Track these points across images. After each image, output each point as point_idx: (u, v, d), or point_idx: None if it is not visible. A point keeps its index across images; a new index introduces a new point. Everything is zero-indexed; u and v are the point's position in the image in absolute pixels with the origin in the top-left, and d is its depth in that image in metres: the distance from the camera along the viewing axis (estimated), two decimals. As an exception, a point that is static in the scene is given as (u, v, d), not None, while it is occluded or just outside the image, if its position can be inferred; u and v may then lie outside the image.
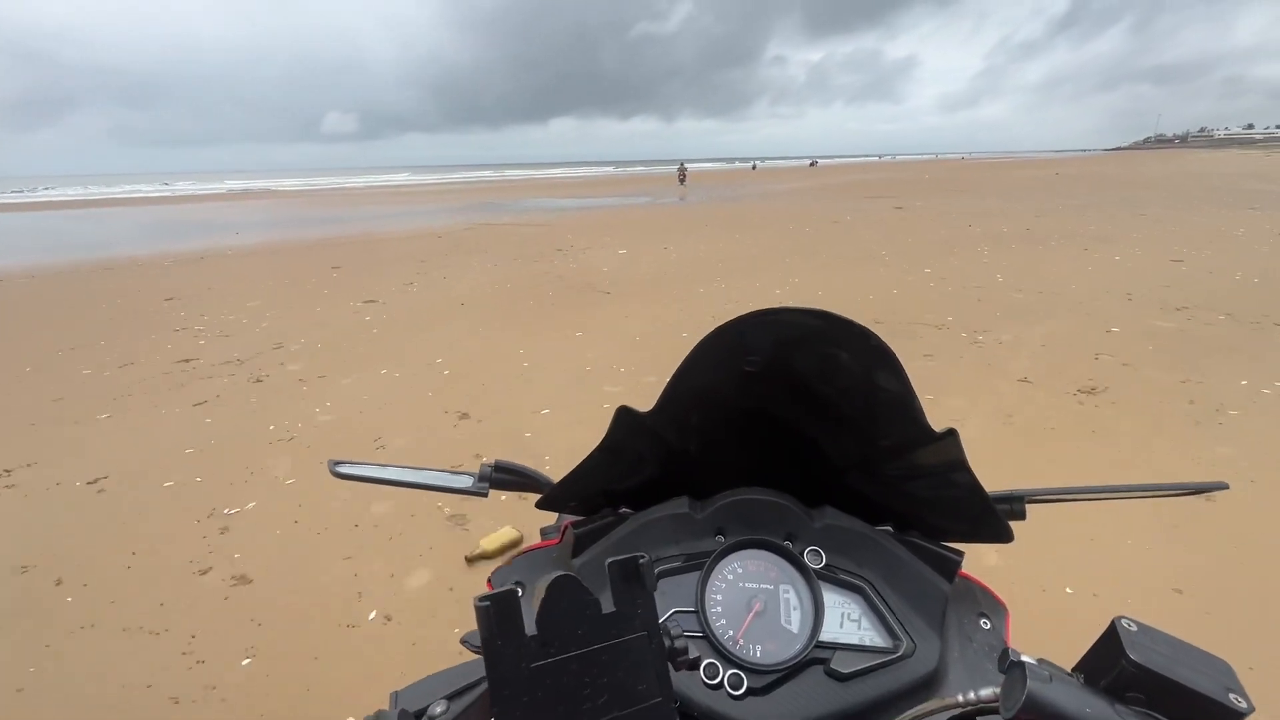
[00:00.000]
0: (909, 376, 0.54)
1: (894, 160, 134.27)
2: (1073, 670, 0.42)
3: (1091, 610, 2.15)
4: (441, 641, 2.15)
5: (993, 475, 0.65)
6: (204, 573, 2.56)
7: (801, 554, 0.60)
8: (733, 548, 0.61)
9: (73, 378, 5.05)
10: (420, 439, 3.75)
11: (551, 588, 0.39)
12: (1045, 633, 1.89)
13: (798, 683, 0.54)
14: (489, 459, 0.72)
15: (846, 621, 0.58)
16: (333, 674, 2.04)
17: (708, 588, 0.58)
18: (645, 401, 0.58)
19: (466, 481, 0.71)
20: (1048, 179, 29.70)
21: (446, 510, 2.90)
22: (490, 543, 2.59)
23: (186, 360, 5.36)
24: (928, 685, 0.55)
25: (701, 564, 0.60)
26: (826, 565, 0.60)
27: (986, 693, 0.43)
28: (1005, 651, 0.43)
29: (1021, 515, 0.65)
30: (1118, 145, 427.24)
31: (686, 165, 37.55)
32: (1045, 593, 2.25)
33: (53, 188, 64.16)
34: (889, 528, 0.66)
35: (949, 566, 0.61)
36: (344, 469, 0.73)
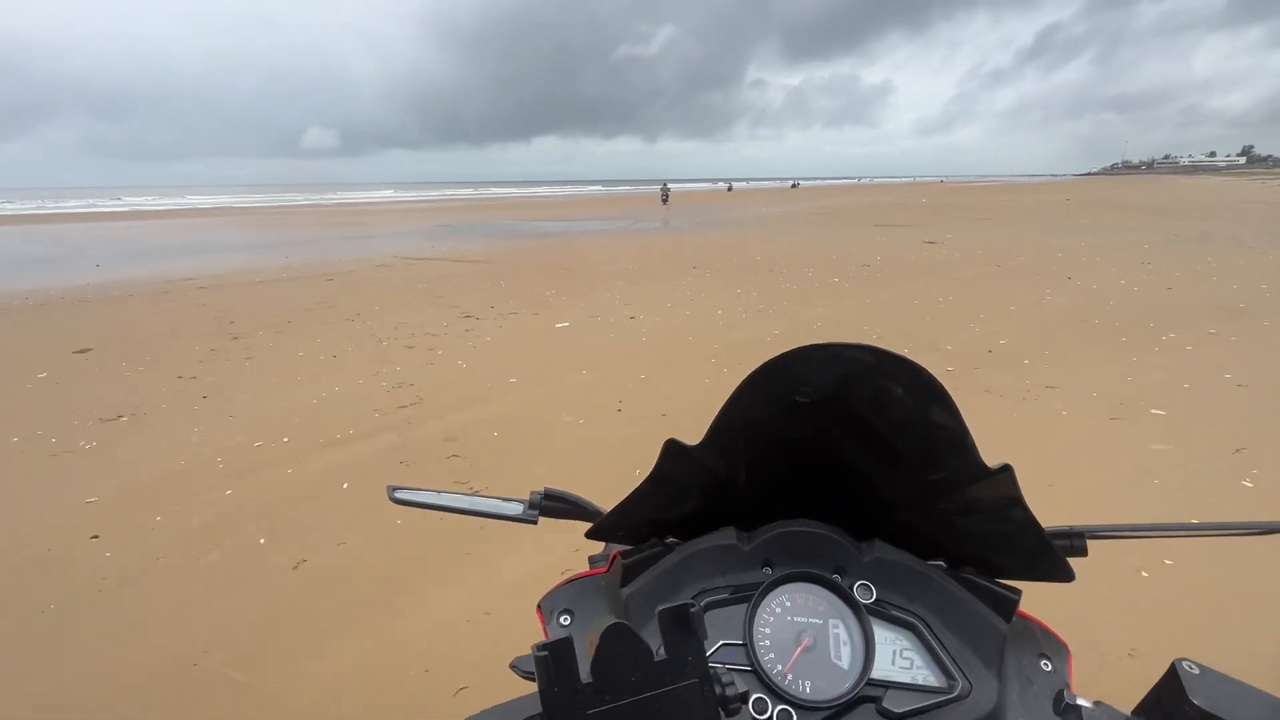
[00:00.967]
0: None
1: (873, 183, 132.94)
2: (1132, 714, 0.43)
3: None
4: None
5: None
6: None
7: (851, 588, 0.57)
8: (781, 580, 0.58)
9: None
10: None
11: (606, 635, 0.38)
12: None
13: None
14: (539, 487, 0.71)
15: (898, 659, 0.55)
16: None
17: (755, 621, 0.56)
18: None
19: (517, 509, 0.70)
20: (1059, 204, 26.54)
21: None
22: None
23: None
24: None
25: (749, 596, 0.57)
26: (877, 600, 0.57)
27: None
28: (1061, 693, 0.47)
29: (1082, 552, 0.62)
30: (1088, 170, 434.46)
31: (670, 185, 35.18)
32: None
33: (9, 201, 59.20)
34: (941, 563, 0.62)
35: (1006, 605, 0.57)
36: (401, 494, 0.72)
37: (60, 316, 7.42)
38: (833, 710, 0.51)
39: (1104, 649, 1.95)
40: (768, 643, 0.55)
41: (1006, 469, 0.50)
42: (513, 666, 0.58)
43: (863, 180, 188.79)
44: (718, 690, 0.40)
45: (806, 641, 0.54)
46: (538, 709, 0.39)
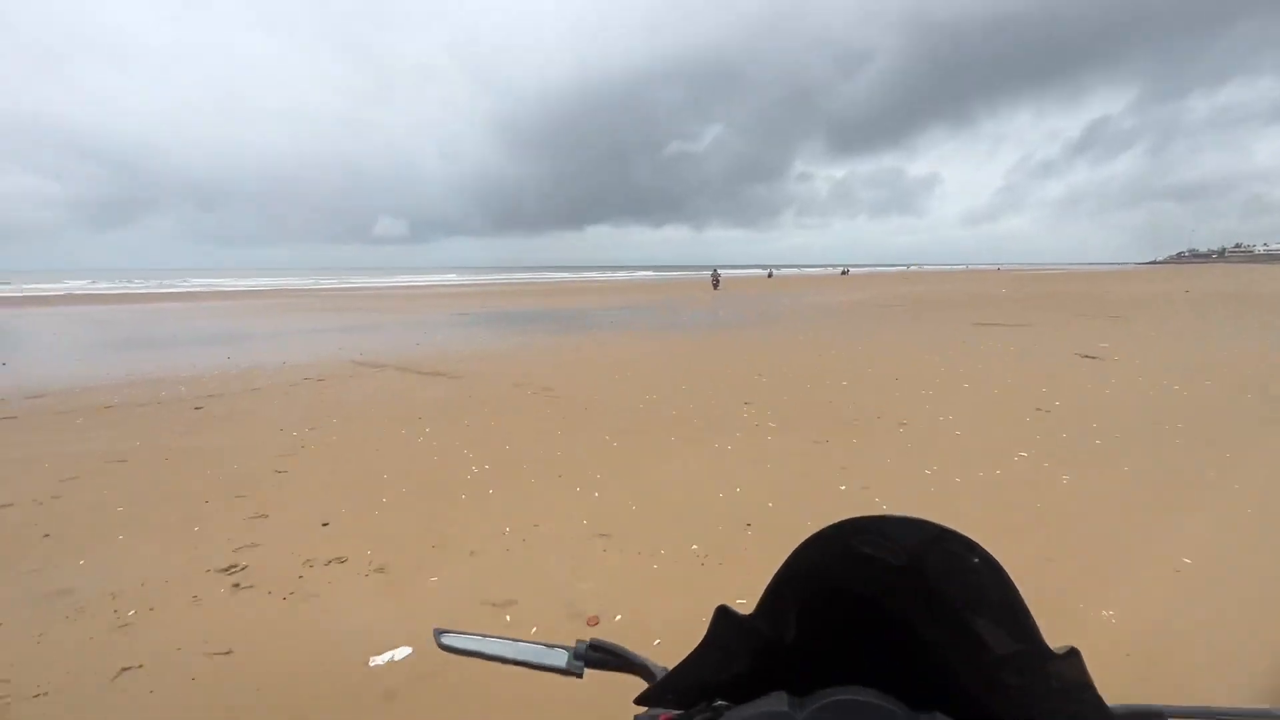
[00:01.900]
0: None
1: (923, 269, 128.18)
2: None
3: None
4: None
5: None
6: None
7: None
8: None
9: None
10: None
11: None
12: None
13: None
14: (584, 637, 0.69)
15: None
16: None
17: None
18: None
19: (561, 659, 0.68)
20: (1177, 296, 21.67)
21: None
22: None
23: None
24: None
25: None
26: None
27: None
28: None
29: None
30: (1152, 259, 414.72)
31: (720, 271, 32.88)
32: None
33: (96, 281, 62.14)
34: None
35: None
36: (448, 640, 0.71)
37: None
38: None
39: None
40: None
41: (1074, 653, 0.48)
42: None
43: (911, 267, 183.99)
44: None
45: None
46: None
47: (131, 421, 5.88)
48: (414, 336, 12.90)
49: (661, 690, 0.60)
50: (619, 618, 2.53)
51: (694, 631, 0.56)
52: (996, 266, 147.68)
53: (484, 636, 0.70)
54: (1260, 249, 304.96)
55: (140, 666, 2.27)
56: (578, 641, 0.68)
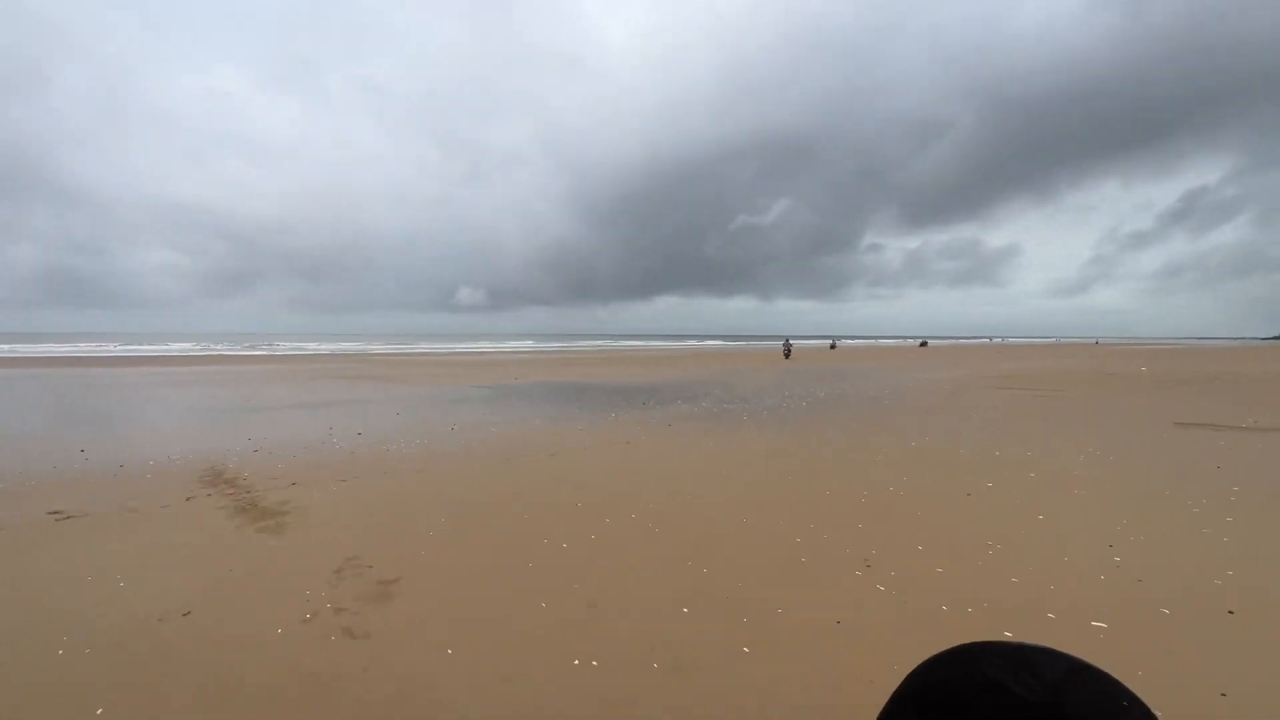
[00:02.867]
0: None
1: (1011, 343, 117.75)
2: None
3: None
4: None
5: None
6: None
7: None
8: None
9: None
10: None
11: None
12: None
13: None
14: None
15: None
16: None
17: None
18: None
19: None
20: None
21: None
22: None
23: None
24: None
25: None
26: None
27: None
28: None
29: None
30: (1276, 334, 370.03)
31: (792, 341, 29.28)
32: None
33: (169, 344, 66.04)
34: None
35: None
36: None
37: None
38: None
39: None
40: None
41: None
42: None
43: (995, 340, 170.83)
44: None
45: None
46: None
47: None
48: (411, 420, 10.15)
49: None
50: None
51: None
52: (1095, 340, 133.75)
53: None
54: None
55: None
56: None
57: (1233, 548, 3.95)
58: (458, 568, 3.66)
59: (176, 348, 52.99)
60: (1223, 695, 2.34)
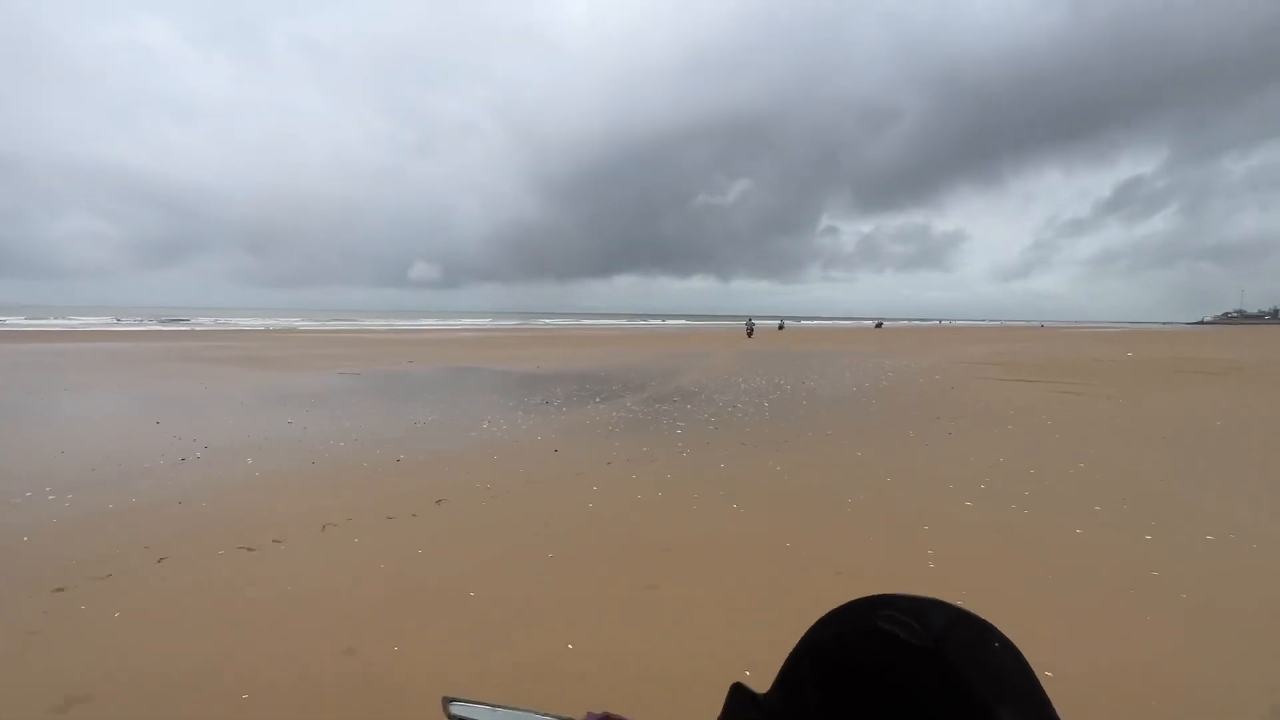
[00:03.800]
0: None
1: (959, 325, 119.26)
2: None
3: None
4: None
5: None
6: None
7: None
8: None
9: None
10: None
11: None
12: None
13: None
14: (597, 709, 0.62)
15: None
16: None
17: None
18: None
19: None
20: None
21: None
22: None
23: None
24: None
25: None
26: None
27: None
28: None
29: None
30: (1200, 319, 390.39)
31: (754, 321, 27.67)
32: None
33: (122, 319, 59.47)
34: None
35: None
36: (456, 709, 0.65)
37: None
38: None
39: None
40: None
41: None
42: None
43: (943, 322, 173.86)
44: None
45: None
46: None
47: None
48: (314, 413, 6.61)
49: None
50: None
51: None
52: (1040, 324, 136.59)
53: (494, 707, 0.65)
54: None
55: None
56: (589, 714, 0.62)
57: None
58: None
59: (79, 322, 47.02)
60: None
